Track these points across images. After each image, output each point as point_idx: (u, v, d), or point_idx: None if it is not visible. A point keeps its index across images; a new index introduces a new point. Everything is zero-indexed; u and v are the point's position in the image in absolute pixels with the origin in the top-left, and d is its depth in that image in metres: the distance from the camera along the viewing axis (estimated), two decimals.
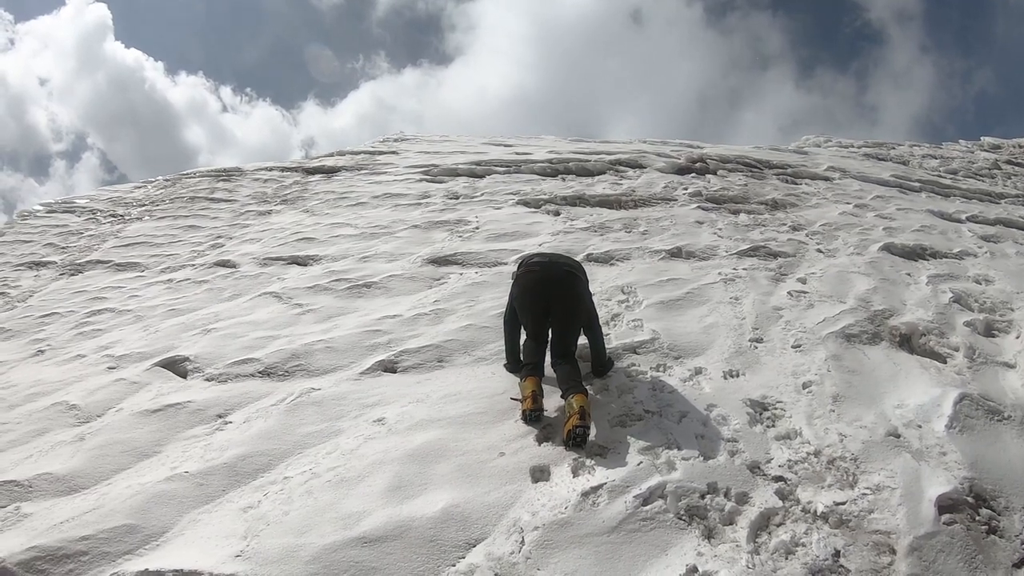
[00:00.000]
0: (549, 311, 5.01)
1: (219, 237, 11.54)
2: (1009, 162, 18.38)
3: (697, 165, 13.87)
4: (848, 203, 11.48)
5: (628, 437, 4.42)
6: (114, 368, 6.31)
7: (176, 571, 3.32)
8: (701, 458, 4.18)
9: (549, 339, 5.06)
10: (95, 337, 7.63)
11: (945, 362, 5.59)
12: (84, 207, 15.00)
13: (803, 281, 7.36)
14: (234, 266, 9.50)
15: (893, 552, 3.50)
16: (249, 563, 3.36)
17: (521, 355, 5.19)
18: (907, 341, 5.98)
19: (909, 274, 7.71)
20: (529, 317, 5.13)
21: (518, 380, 4.90)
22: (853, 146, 20.04)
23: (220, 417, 5.06)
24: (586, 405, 4.33)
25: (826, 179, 13.63)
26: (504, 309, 5.55)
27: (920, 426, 4.55)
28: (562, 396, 4.55)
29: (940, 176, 15.69)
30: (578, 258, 7.71)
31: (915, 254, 8.61)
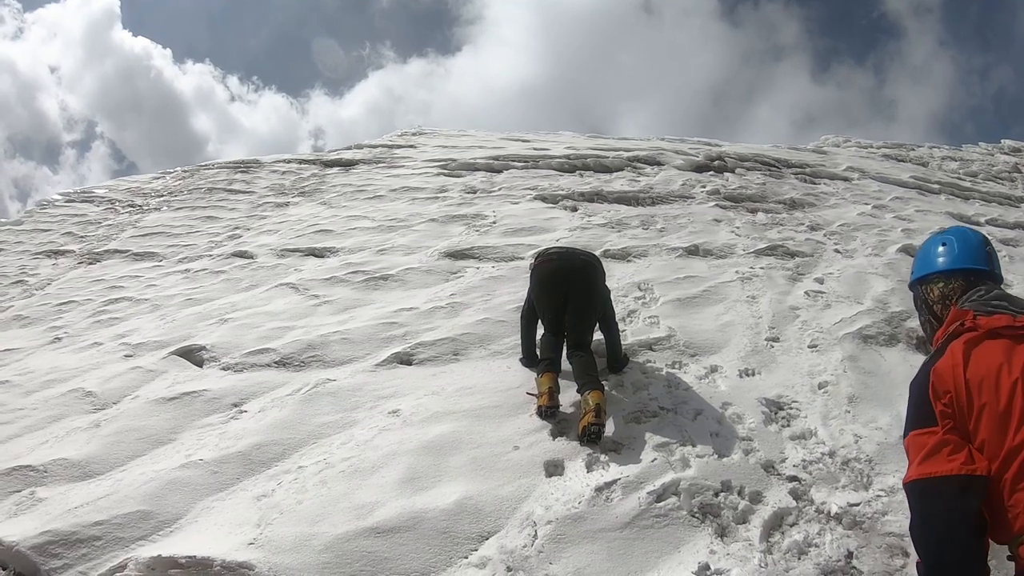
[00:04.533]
0: (567, 300, 4.99)
1: (237, 228, 11.59)
2: None
3: (715, 163, 13.81)
4: (867, 204, 11.41)
5: (643, 433, 4.40)
6: (130, 356, 6.35)
7: (189, 558, 3.33)
8: (715, 456, 4.16)
9: (565, 333, 5.04)
10: (112, 325, 7.68)
11: None
12: (103, 197, 15.11)
13: (820, 281, 7.31)
14: (251, 257, 9.54)
15: (906, 555, 3.47)
16: (262, 551, 3.36)
17: (538, 350, 5.18)
18: (924, 344, 5.93)
19: None
20: (547, 306, 5.11)
21: (535, 375, 4.87)
22: (872, 147, 19.93)
23: (235, 406, 5.08)
24: (602, 402, 4.31)
25: (845, 179, 13.54)
26: (522, 304, 5.54)
27: None
28: (578, 391, 4.53)
29: (959, 178, 15.57)
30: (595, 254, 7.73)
31: None
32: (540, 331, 5.26)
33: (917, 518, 2.21)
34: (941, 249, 2.72)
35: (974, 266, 2.63)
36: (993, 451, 2.11)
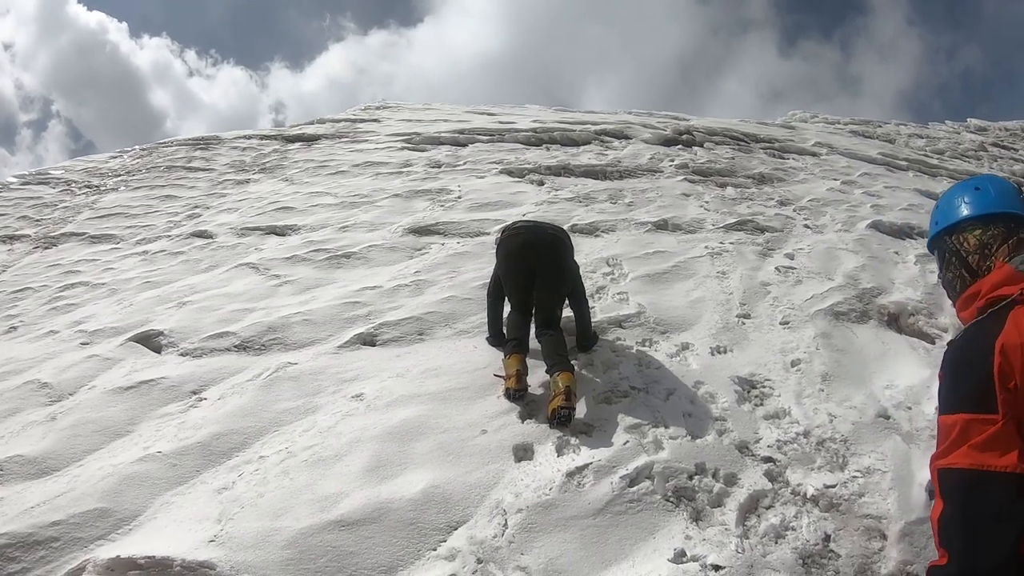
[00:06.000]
0: (534, 275, 4.88)
1: (196, 207, 11.34)
2: (995, 144, 18.43)
3: (683, 137, 13.77)
4: (835, 179, 11.42)
5: (614, 414, 4.33)
6: (87, 344, 6.14)
7: (148, 558, 3.20)
8: (689, 437, 4.10)
9: (533, 311, 4.94)
10: (68, 312, 7.45)
11: (934, 343, 5.53)
12: (59, 178, 14.74)
13: (791, 257, 7.28)
14: (211, 237, 9.31)
15: (884, 537, 3.45)
16: (223, 549, 3.24)
17: (505, 329, 5.07)
18: (895, 320, 5.93)
19: (897, 252, 7.65)
20: (514, 281, 5.00)
21: (502, 356, 4.76)
22: (840, 123, 20.08)
23: (194, 394, 4.92)
24: (572, 384, 4.21)
25: (813, 155, 13.57)
26: (488, 281, 5.43)
27: (910, 408, 4.49)
28: (547, 372, 4.44)
29: (927, 156, 15.69)
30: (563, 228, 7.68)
31: (903, 233, 8.55)
32: (507, 309, 5.14)
33: (957, 512, 1.93)
34: (974, 194, 2.43)
35: (1014, 211, 2.35)
36: None
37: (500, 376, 4.62)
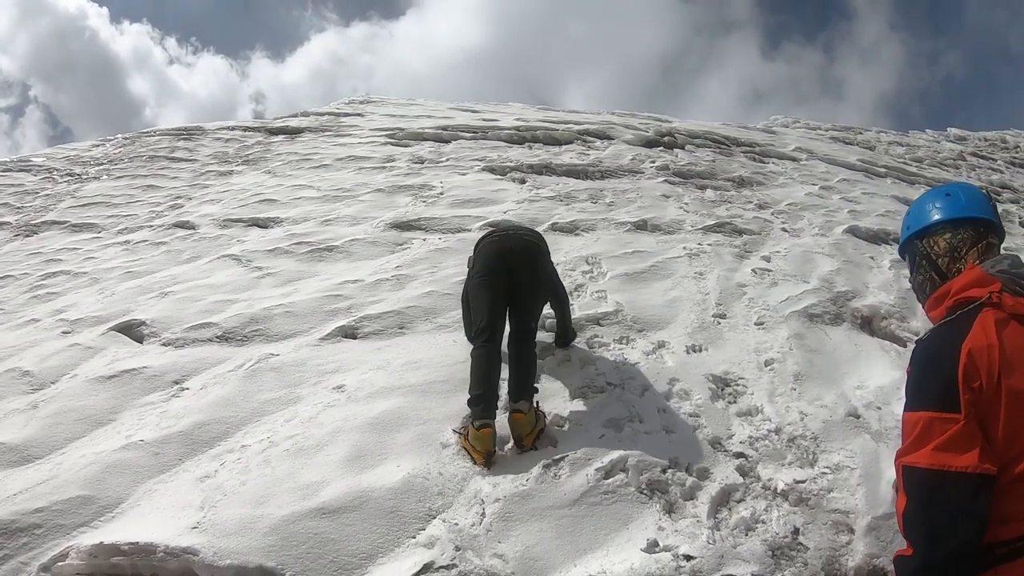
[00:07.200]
0: (509, 283, 4.64)
1: (178, 198, 11.32)
2: (974, 154, 18.60)
3: (665, 139, 13.86)
4: (814, 184, 11.51)
5: (590, 409, 4.41)
6: (68, 333, 6.15)
7: (132, 544, 3.23)
8: (663, 432, 4.18)
9: (508, 319, 4.68)
10: (50, 301, 7.45)
11: (905, 346, 5.62)
12: (40, 165, 14.64)
13: (767, 259, 7.36)
14: (193, 227, 9.32)
15: (851, 531, 3.53)
16: (206, 535, 3.28)
17: (469, 371, 4.42)
18: (868, 323, 6.04)
19: (872, 257, 7.76)
20: (487, 291, 4.65)
21: (469, 419, 4.13)
22: (821, 128, 20.20)
23: (176, 383, 4.95)
24: (524, 432, 4.05)
25: (793, 159, 13.66)
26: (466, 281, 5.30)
27: (880, 408, 4.57)
28: (508, 395, 4.24)
29: (906, 163, 15.81)
30: (543, 227, 7.75)
31: (879, 238, 8.66)
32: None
33: (919, 510, 1.99)
34: (945, 199, 2.48)
35: (983, 216, 2.41)
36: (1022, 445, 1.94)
37: (458, 432, 4.21)
